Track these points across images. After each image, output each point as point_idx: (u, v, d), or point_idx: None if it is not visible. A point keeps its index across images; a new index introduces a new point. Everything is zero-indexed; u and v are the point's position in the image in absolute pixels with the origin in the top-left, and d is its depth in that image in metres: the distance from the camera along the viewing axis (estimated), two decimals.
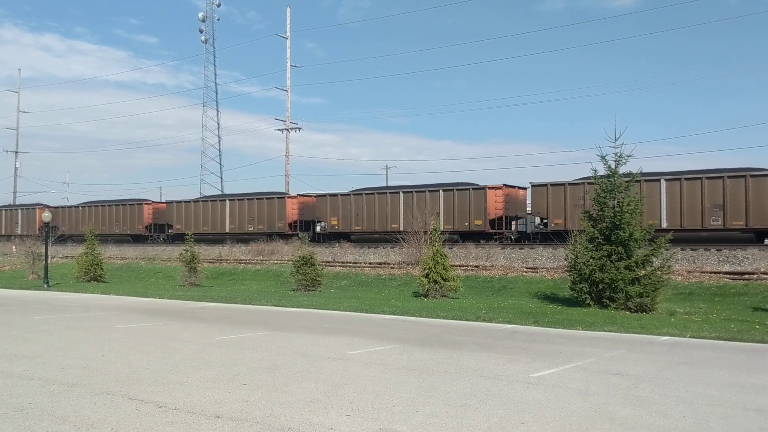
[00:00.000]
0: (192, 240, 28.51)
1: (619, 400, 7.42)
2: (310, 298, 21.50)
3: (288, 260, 30.43)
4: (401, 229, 34.02)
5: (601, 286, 17.43)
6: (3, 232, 54.73)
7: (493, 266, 26.82)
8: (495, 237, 33.84)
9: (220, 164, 71.65)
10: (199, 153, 71.37)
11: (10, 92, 74.88)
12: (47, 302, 20.78)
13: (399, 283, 25.55)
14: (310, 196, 41.83)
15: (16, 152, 73.54)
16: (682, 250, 26.02)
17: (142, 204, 48.98)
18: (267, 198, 41.69)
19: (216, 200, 45.13)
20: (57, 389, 7.89)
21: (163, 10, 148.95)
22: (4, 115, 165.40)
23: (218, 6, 71.33)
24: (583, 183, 30.15)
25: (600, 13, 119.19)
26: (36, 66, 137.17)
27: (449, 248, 27.99)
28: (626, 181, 18.32)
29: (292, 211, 40.64)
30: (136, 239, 48.10)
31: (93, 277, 30.24)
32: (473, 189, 34.18)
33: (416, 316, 16.43)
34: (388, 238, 34.53)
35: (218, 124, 71.04)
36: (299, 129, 51.98)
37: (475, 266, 27.12)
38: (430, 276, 20.64)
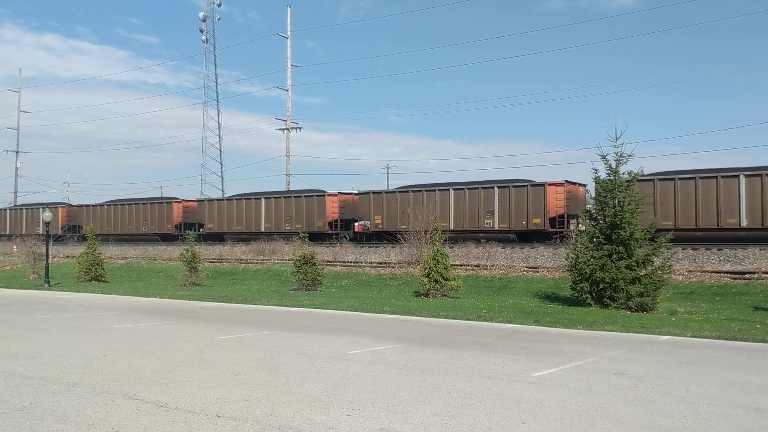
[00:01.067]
0: (193, 240, 28.52)
1: (619, 400, 7.42)
2: (310, 297, 21.50)
3: (289, 260, 30.44)
4: (452, 227, 33.09)
5: (601, 286, 17.42)
6: (24, 231, 52.32)
7: (493, 266, 26.81)
8: (555, 236, 32.12)
9: (221, 164, 71.73)
10: (199, 153, 71.45)
11: (11, 92, 74.94)
12: (48, 302, 20.79)
13: (400, 283, 25.55)
14: (351, 194, 40.33)
15: (17, 152, 73.64)
16: (683, 249, 25.99)
17: (171, 202, 46.94)
18: (305, 196, 40.13)
19: (250, 198, 43.03)
20: (58, 389, 7.89)
21: (163, 10, 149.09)
22: (5, 115, 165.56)
23: (219, 6, 71.35)
24: (653, 179, 28.54)
25: (600, 13, 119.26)
26: (37, 66, 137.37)
27: (450, 248, 27.97)
28: (627, 180, 18.31)
29: (332, 209, 38.98)
30: (165, 239, 46.29)
31: (94, 276, 30.29)
32: (531, 186, 32.31)
33: (417, 316, 16.43)
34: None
35: (219, 123, 71.09)
36: (300, 129, 52.04)
37: (476, 266, 27.11)
38: (431, 275, 20.64)
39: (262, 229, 41.49)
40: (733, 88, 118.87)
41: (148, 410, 6.85)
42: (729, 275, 21.78)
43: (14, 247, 44.68)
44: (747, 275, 21.56)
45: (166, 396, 7.48)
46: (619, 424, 6.42)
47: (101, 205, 51.32)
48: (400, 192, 36.92)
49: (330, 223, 38.82)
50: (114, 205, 50.35)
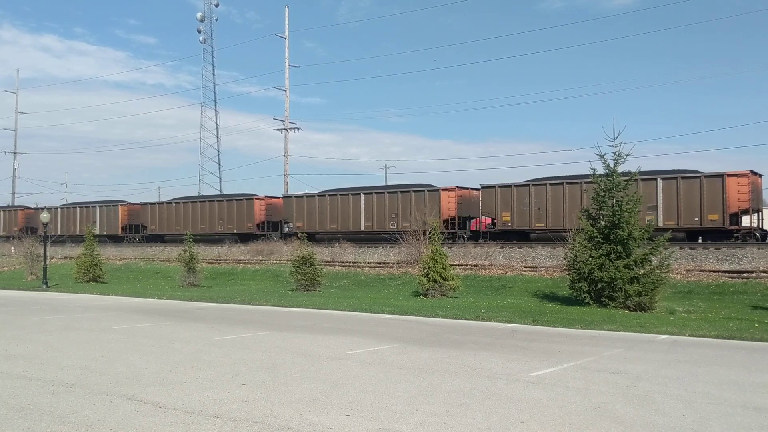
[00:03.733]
0: (191, 240, 28.46)
1: (618, 399, 7.42)
2: (309, 297, 21.49)
3: (287, 260, 30.42)
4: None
5: (600, 285, 17.43)
6: (78, 231, 48.83)
7: (492, 265, 26.82)
8: (736, 235, 27.86)
9: (219, 164, 71.62)
10: (198, 153, 71.32)
11: (9, 93, 74.73)
12: (46, 303, 20.76)
13: (398, 283, 25.55)
14: (469, 188, 36.36)
15: (15, 153, 73.47)
16: (681, 248, 26.00)
17: (252, 199, 42.70)
18: (414, 191, 35.97)
19: (347, 194, 38.52)
20: (56, 390, 7.88)
21: (161, 11, 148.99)
22: (3, 116, 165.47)
23: (216, 6, 71.45)
24: None
25: (598, 13, 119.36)
26: (36, 66, 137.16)
27: (448, 247, 27.95)
28: (625, 180, 18.33)
29: (447, 205, 34.84)
30: (244, 239, 42.02)
31: (92, 277, 30.23)
32: (705, 177, 28.13)
33: (416, 316, 16.43)
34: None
35: (217, 124, 71.10)
36: (298, 129, 51.93)
37: (474, 265, 27.12)
38: (430, 275, 20.63)
39: (362, 228, 37.29)
40: (731, 87, 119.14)
41: (147, 411, 6.84)
42: (727, 274, 21.79)
43: (12, 248, 44.61)
44: (745, 274, 21.57)
45: (165, 397, 7.47)
46: (618, 423, 6.42)
47: (168, 202, 47.56)
48: (534, 185, 32.21)
49: (445, 221, 34.29)
50: (183, 202, 46.16)
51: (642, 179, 28.74)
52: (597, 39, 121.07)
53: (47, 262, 29.52)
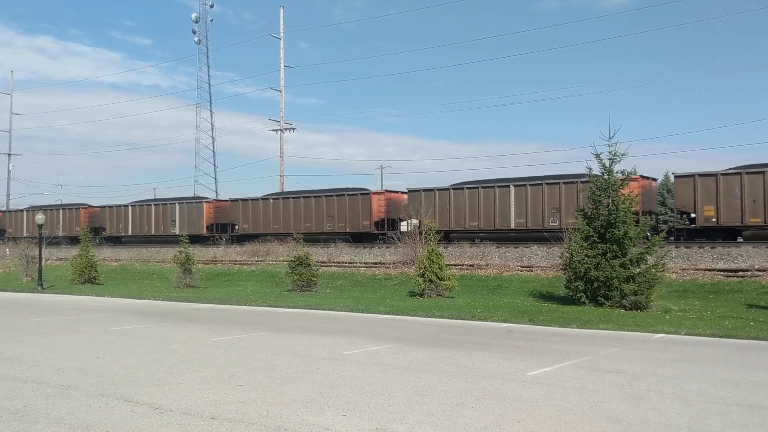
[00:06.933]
0: (187, 241, 28.35)
1: (614, 398, 7.43)
2: (305, 298, 21.46)
3: (283, 261, 30.39)
4: None
5: (596, 284, 17.46)
6: (153, 232, 46.36)
7: (488, 265, 26.84)
8: None
9: (214, 165, 71.35)
10: (193, 154, 71.05)
11: (4, 94, 74.49)
12: (42, 304, 20.70)
13: (395, 283, 25.54)
14: (650, 178, 30.84)
15: (9, 155, 73.19)
16: (677, 248, 26.05)
17: (369, 194, 37.92)
18: (582, 181, 29.04)
19: (491, 186, 33.32)
20: (52, 392, 7.85)
21: (156, 12, 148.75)
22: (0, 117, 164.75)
23: (211, 7, 71.20)
24: None
25: (594, 12, 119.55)
26: (31, 68, 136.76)
27: (444, 247, 27.94)
28: (621, 180, 18.37)
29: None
30: (358, 239, 37.63)
31: (87, 279, 30.16)
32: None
33: (412, 316, 16.43)
34: None
35: (212, 125, 70.88)
36: (293, 129, 51.94)
37: (470, 265, 27.13)
38: (426, 275, 20.64)
39: (512, 226, 32.40)
40: (727, 86, 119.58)
41: (143, 412, 6.83)
42: (722, 273, 21.86)
43: (7, 249, 44.46)
44: (740, 273, 21.64)
45: (161, 398, 7.45)
46: (614, 422, 6.43)
47: (263, 198, 42.68)
48: (748, 173, 27.21)
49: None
50: (283, 198, 41.65)
51: None
52: (592, 39, 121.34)
53: (42, 263, 29.42)
